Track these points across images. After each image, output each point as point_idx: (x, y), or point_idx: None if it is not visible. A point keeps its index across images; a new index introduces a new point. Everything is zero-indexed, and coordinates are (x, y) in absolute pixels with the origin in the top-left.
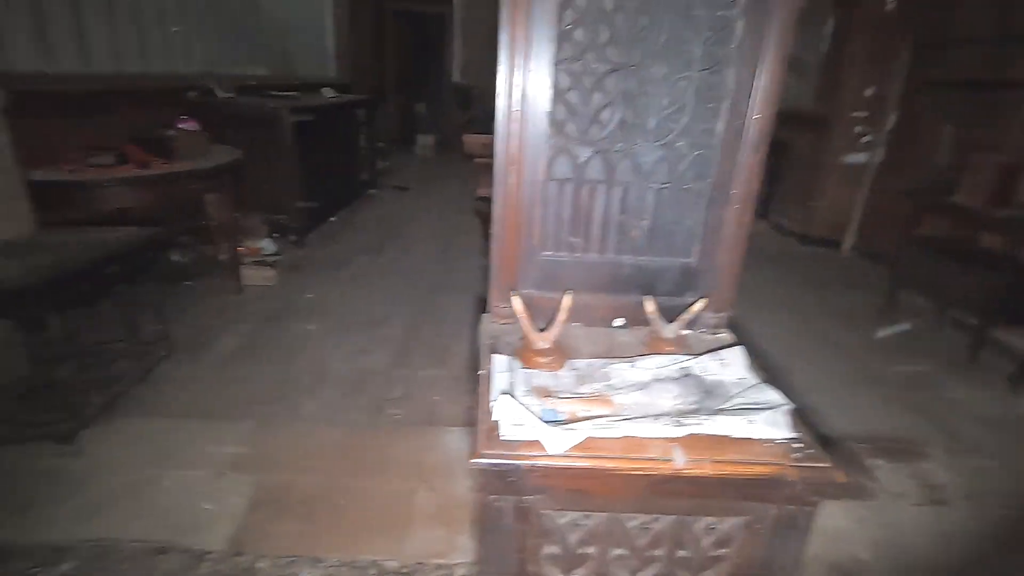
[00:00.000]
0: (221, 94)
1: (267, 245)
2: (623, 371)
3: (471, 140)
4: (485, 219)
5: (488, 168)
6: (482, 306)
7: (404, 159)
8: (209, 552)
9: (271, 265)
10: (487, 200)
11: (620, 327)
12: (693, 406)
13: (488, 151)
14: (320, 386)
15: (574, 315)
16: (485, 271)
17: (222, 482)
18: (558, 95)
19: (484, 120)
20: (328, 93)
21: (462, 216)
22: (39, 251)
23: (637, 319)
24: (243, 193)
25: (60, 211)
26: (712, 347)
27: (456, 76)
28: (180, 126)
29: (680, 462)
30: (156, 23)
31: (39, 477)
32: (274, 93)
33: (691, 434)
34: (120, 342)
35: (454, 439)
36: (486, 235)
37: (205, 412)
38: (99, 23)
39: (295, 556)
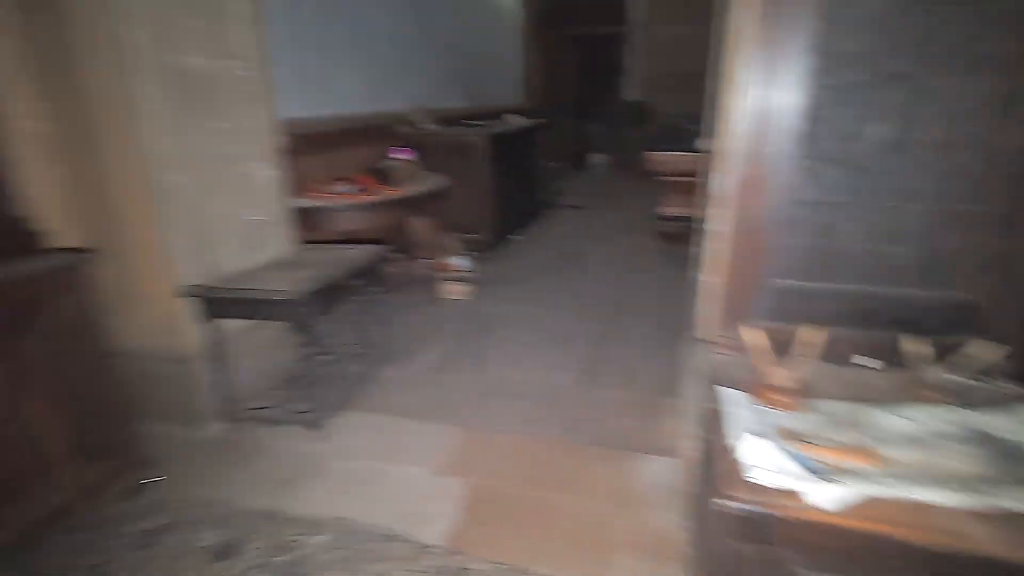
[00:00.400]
0: (426, 126)
1: (461, 262)
2: (887, 420)
3: (656, 158)
4: (670, 239)
5: (674, 186)
6: (680, 330)
7: (578, 178)
8: (430, 546)
9: (465, 281)
10: (672, 219)
11: (868, 366)
12: (992, 472)
13: (674, 169)
14: (515, 398)
15: (810, 349)
16: (678, 294)
17: (437, 481)
18: (810, 111)
19: (664, 137)
20: (513, 119)
21: (641, 235)
22: (303, 266)
23: (886, 358)
24: (442, 214)
25: (305, 231)
26: (997, 400)
27: (631, 94)
28: (397, 156)
29: (989, 541)
30: (381, 69)
31: (297, 456)
32: (468, 122)
33: (1000, 508)
34: (351, 345)
35: (649, 467)
36: (670, 255)
37: (418, 413)
38: (343, 73)
39: (506, 564)
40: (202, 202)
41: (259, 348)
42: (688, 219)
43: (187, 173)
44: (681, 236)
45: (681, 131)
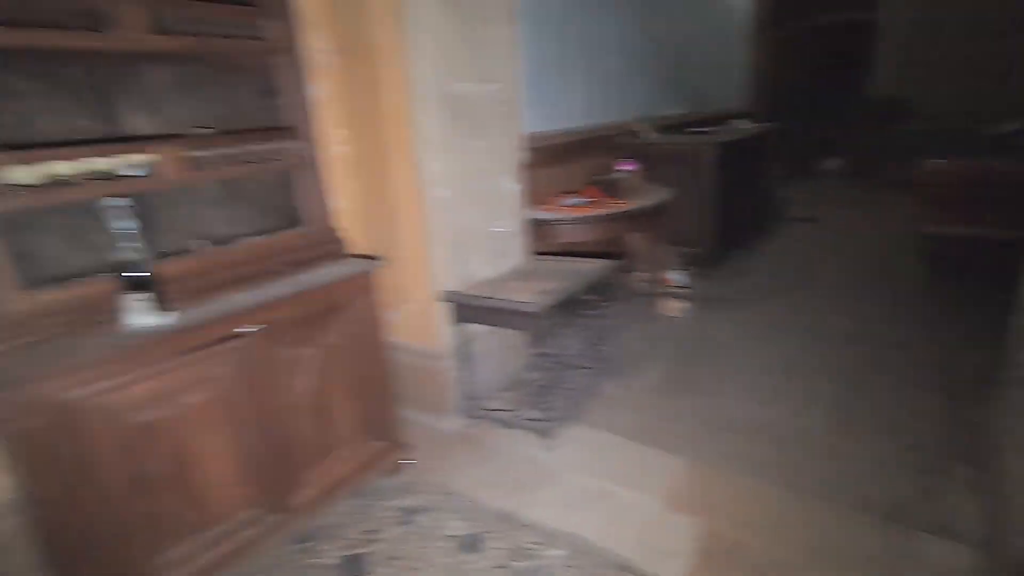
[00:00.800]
0: (649, 136)
1: (679, 277)
2: None
3: (938, 168)
4: (943, 264)
5: (957, 201)
6: (978, 382)
7: (807, 186)
8: None
9: (683, 297)
10: (948, 241)
11: None
12: None
13: (964, 180)
14: (751, 436)
15: None
16: (964, 332)
17: (668, 515)
18: None
19: (943, 140)
20: (740, 124)
21: (893, 256)
22: (541, 277)
23: None
24: (663, 226)
25: (533, 242)
26: None
27: (879, 89)
28: (622, 168)
29: None
30: (607, 81)
31: (530, 462)
32: (692, 130)
33: None
34: (577, 357)
35: (934, 551)
36: (942, 282)
37: (643, 436)
38: (573, 88)
39: None
40: (460, 215)
41: (495, 351)
42: (975, 241)
43: (450, 188)
44: (963, 261)
45: (974, 135)
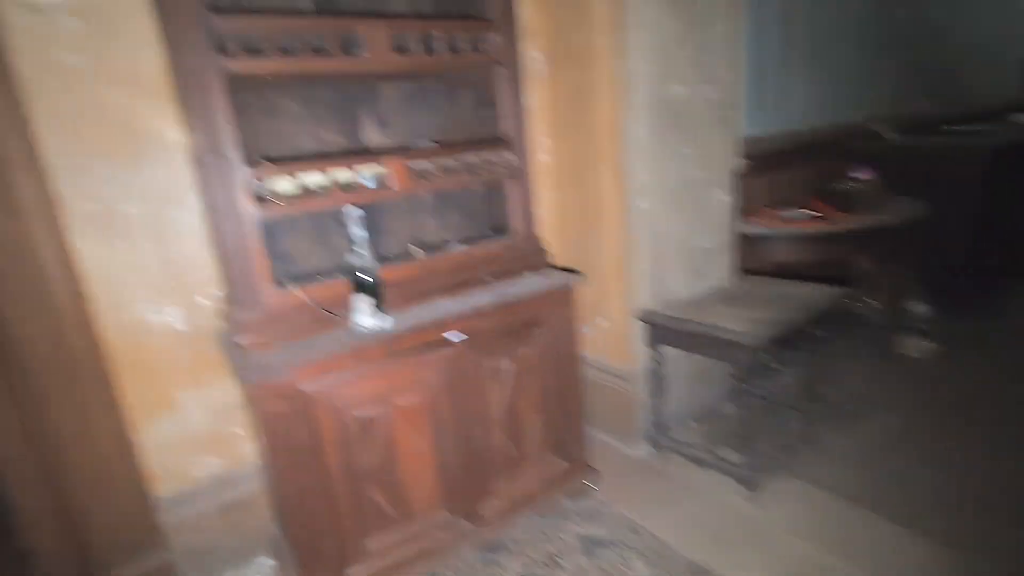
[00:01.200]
0: (891, 137)
1: (923, 310)
2: None
3: None
4: None
5: None
6: None
7: None
8: None
9: (928, 335)
10: None
11: None
12: None
13: None
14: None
15: None
16: None
17: None
18: None
19: None
20: (1020, 119)
21: None
22: (751, 302)
23: None
24: (904, 246)
25: (740, 259)
26: None
27: None
28: (855, 176)
29: None
30: (839, 75)
31: (730, 512)
32: (949, 129)
33: None
34: (791, 397)
35: None
36: None
37: (874, 503)
38: (796, 85)
39: None
40: (661, 228)
41: (686, 377)
42: None
43: (653, 199)
44: None
45: None
